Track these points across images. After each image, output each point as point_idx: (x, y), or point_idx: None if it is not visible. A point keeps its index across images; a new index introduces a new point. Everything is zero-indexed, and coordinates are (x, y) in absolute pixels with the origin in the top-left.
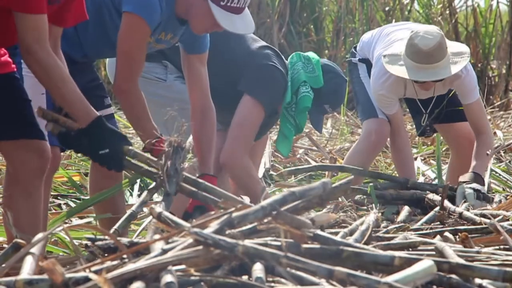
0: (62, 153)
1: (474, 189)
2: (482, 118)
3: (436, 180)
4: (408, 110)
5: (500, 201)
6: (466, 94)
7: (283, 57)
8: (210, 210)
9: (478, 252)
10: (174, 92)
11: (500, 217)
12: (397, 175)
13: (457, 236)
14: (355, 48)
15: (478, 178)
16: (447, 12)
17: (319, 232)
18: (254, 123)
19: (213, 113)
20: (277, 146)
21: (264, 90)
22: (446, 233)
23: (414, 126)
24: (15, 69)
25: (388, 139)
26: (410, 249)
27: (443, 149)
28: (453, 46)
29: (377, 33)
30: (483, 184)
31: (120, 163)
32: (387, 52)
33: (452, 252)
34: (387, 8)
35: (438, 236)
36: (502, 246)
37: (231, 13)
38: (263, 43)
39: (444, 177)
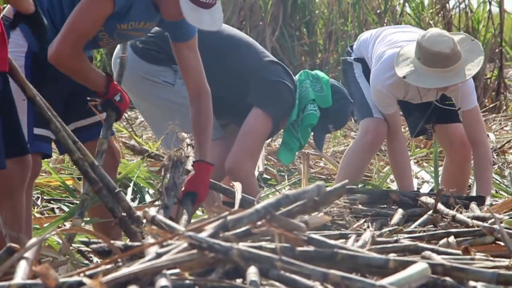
0: (55, 157)
1: None
2: (480, 126)
3: (432, 182)
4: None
5: (491, 204)
6: (464, 98)
7: (291, 73)
8: (201, 198)
9: (472, 259)
10: (181, 97)
11: (492, 219)
12: (393, 178)
13: (449, 239)
14: (351, 47)
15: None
16: (440, 15)
17: (313, 235)
18: (262, 134)
19: (209, 97)
20: (279, 155)
21: (274, 105)
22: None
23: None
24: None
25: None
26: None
27: (437, 151)
28: (453, 35)
29: (377, 33)
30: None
31: None
32: (404, 73)
33: (440, 258)
34: (378, 11)
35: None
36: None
37: (199, 7)
38: (273, 58)
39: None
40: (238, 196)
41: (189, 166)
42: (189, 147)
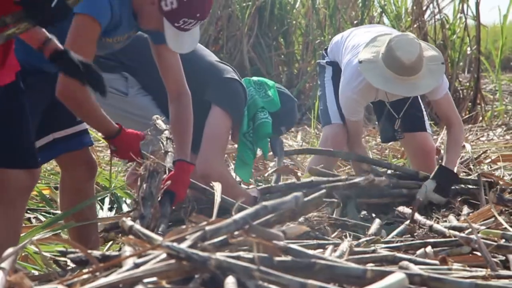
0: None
1: (437, 183)
2: (450, 110)
3: None
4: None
5: (468, 213)
6: (433, 91)
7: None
8: (179, 197)
9: (449, 269)
10: (136, 108)
11: (469, 229)
12: None
13: (426, 249)
14: (325, 50)
15: (446, 171)
16: (415, 25)
17: (291, 245)
18: (225, 133)
19: (189, 98)
20: (236, 172)
21: (232, 102)
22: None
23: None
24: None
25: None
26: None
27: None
28: (425, 49)
29: (346, 34)
30: (453, 177)
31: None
32: (363, 58)
33: (417, 268)
34: (355, 22)
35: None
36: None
37: (182, 32)
38: (217, 58)
39: None
40: (218, 198)
41: (168, 163)
42: (168, 140)
